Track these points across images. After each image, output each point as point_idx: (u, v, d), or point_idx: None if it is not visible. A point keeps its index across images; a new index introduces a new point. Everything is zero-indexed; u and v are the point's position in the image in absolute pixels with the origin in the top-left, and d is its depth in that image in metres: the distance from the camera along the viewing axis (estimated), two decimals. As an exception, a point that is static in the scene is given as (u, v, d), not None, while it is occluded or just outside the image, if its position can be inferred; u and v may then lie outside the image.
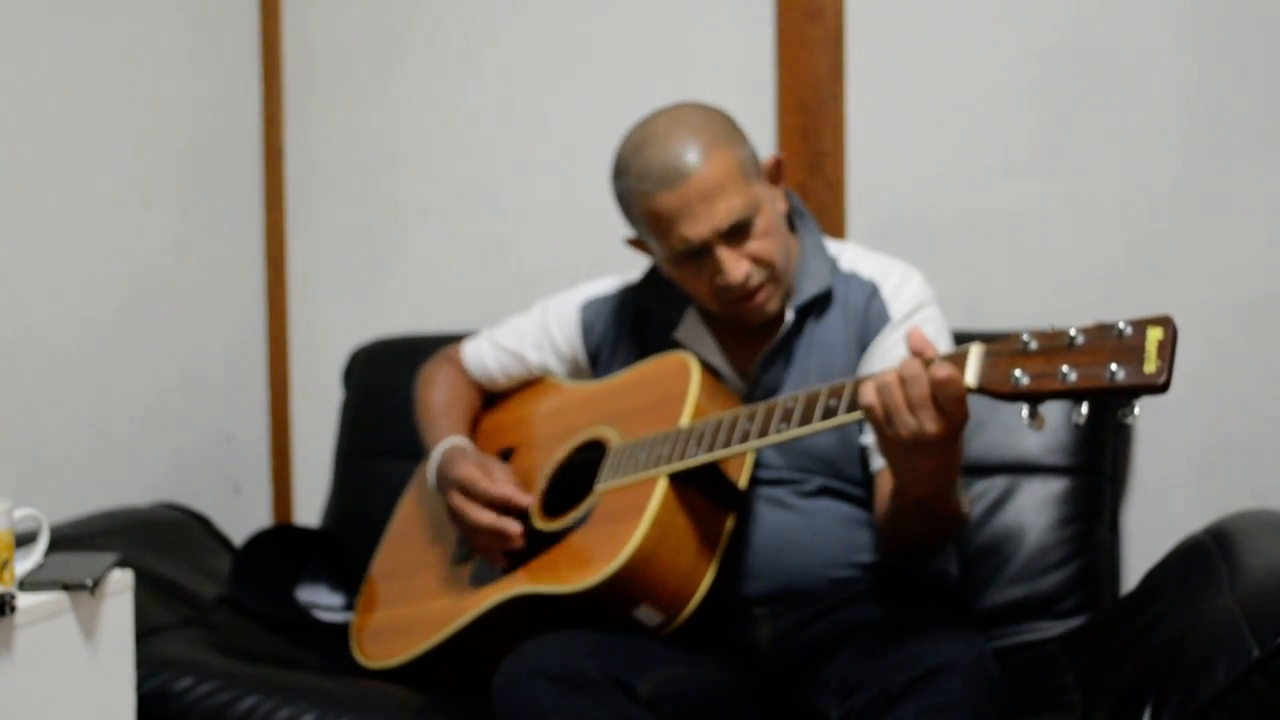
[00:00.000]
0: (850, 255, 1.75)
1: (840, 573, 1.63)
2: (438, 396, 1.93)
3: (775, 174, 1.69)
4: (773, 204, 1.65)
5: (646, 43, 2.32)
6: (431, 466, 1.81)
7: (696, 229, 1.57)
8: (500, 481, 1.69)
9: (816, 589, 1.62)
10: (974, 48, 2.14)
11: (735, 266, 1.59)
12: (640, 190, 1.60)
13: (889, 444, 1.36)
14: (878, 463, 1.62)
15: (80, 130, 2.19)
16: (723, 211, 1.57)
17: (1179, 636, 1.47)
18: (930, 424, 1.30)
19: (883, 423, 1.33)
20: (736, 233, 1.59)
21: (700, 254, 1.60)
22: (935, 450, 1.34)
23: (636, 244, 1.75)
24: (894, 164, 2.19)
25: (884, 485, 1.57)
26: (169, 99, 2.38)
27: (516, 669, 1.46)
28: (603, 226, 2.34)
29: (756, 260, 1.61)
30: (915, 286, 1.70)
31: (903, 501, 1.48)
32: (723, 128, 1.63)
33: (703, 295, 1.65)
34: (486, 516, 1.67)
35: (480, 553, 1.74)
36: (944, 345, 1.66)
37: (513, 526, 1.66)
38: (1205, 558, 1.61)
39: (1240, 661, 1.32)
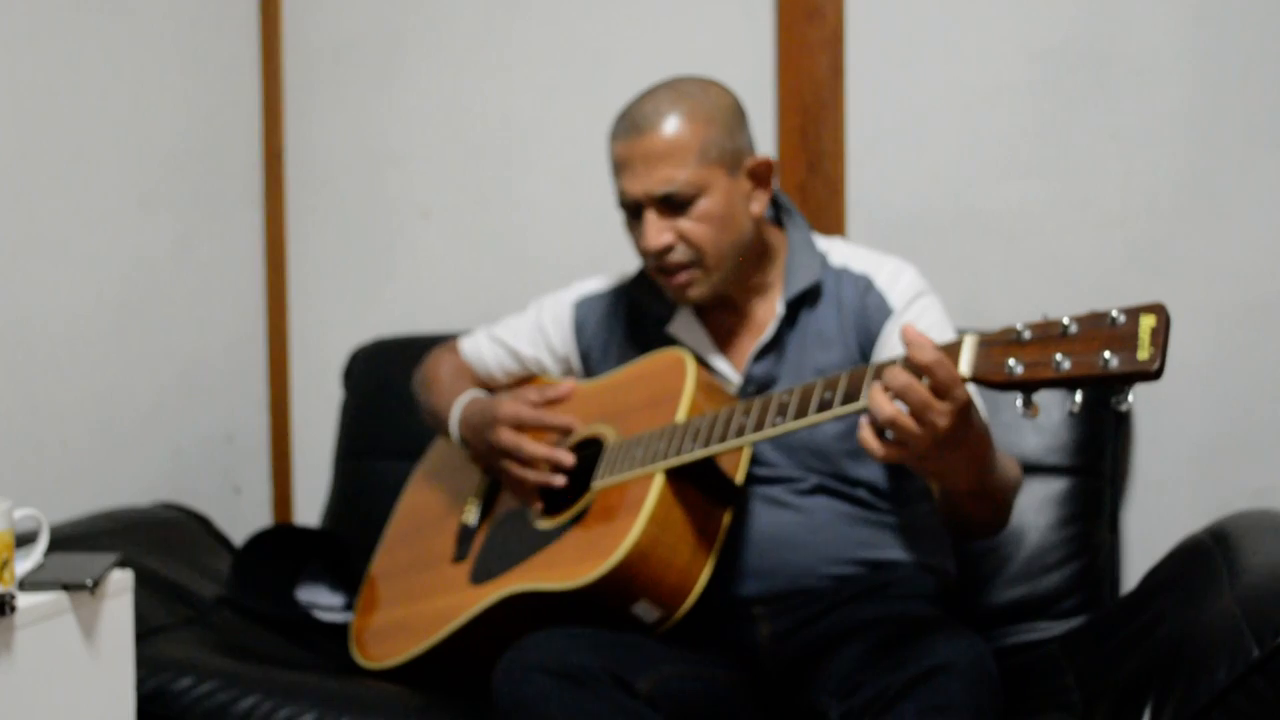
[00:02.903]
0: (840, 251, 1.75)
1: (839, 571, 1.63)
2: (445, 373, 1.95)
3: (759, 174, 1.69)
4: (736, 198, 1.66)
5: (646, 43, 2.33)
6: (454, 420, 1.83)
7: (632, 184, 1.64)
8: (547, 411, 1.75)
9: (815, 588, 1.62)
10: (974, 48, 2.14)
11: (655, 235, 1.63)
12: (614, 133, 1.68)
13: (918, 465, 1.33)
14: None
15: (80, 130, 2.19)
16: (660, 178, 1.62)
17: (1179, 636, 1.47)
18: (941, 420, 1.28)
19: (909, 456, 1.31)
20: (670, 203, 1.63)
21: (634, 210, 1.66)
22: (954, 440, 1.30)
23: None
24: (894, 164, 2.19)
25: (936, 490, 1.56)
26: (169, 99, 2.38)
27: (516, 664, 1.46)
28: (602, 226, 2.34)
29: (685, 239, 1.63)
30: (910, 278, 1.70)
31: (955, 498, 1.48)
32: (713, 109, 1.65)
33: (641, 254, 1.70)
34: (539, 448, 1.71)
35: (517, 489, 1.75)
36: (947, 332, 1.66)
37: (565, 458, 1.70)
38: (1205, 558, 1.61)
39: (1240, 661, 1.32)
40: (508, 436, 1.73)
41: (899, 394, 1.28)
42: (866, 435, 1.31)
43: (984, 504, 1.50)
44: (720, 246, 1.65)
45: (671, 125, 1.62)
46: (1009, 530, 1.93)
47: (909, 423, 1.28)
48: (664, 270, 1.66)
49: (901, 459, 1.32)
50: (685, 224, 1.63)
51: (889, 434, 1.30)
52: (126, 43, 2.28)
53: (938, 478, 1.41)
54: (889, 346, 1.65)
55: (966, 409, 1.29)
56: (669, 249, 1.64)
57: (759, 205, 1.70)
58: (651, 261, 1.67)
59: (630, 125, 1.65)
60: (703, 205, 1.63)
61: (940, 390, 1.27)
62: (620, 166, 1.65)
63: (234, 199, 2.56)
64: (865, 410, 1.33)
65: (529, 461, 1.72)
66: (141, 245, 2.32)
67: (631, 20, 2.35)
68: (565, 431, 1.75)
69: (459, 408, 1.83)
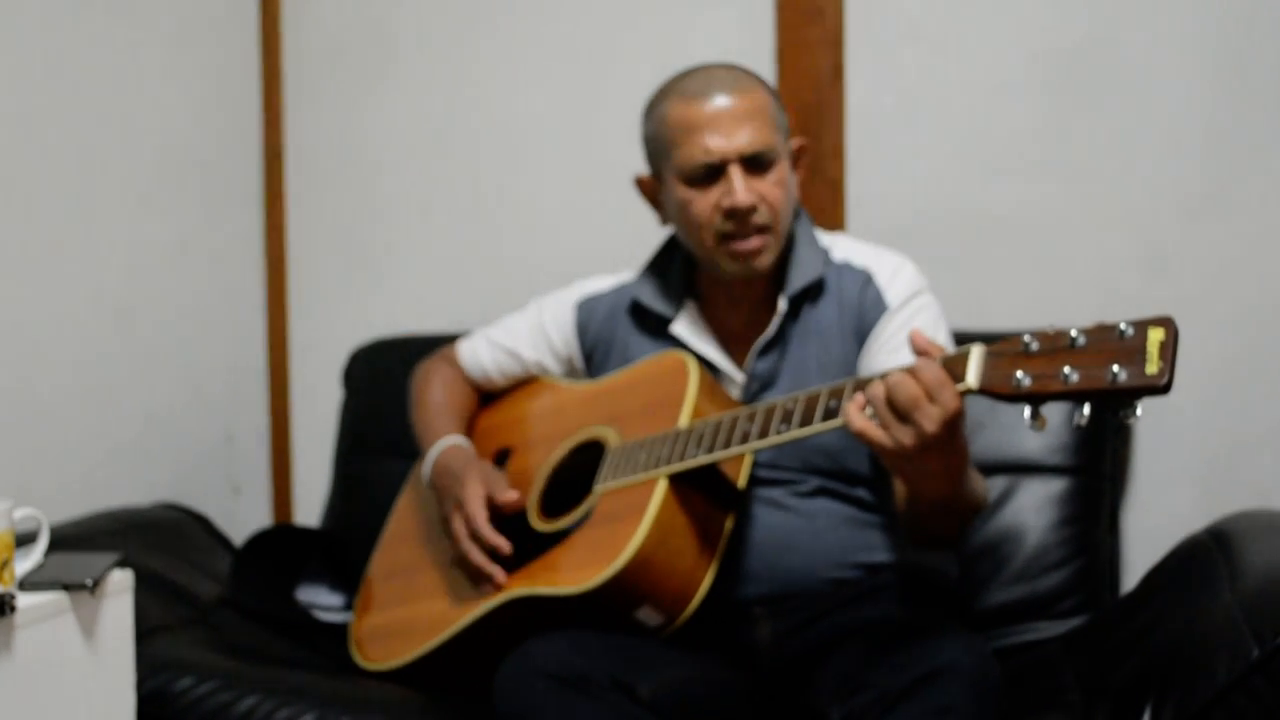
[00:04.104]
0: (842, 246, 1.76)
1: (840, 573, 1.63)
2: (434, 395, 1.94)
3: (797, 156, 1.74)
4: (791, 173, 1.70)
5: (645, 43, 2.32)
6: (427, 464, 1.81)
7: (719, 143, 1.62)
8: (491, 532, 1.68)
9: (816, 590, 1.62)
10: (975, 48, 2.14)
11: (746, 190, 1.62)
12: (675, 103, 1.66)
13: (895, 456, 1.34)
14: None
15: (80, 131, 2.19)
16: (748, 135, 1.62)
17: (1179, 636, 1.47)
18: (929, 425, 1.29)
19: (879, 433, 1.32)
20: (755, 164, 1.63)
21: (714, 173, 1.63)
22: (936, 447, 1.32)
23: (645, 185, 1.77)
24: (894, 164, 2.19)
25: (901, 490, 1.56)
26: (169, 99, 2.38)
27: (518, 669, 1.46)
28: (602, 226, 2.35)
29: (765, 200, 1.64)
30: (909, 275, 1.71)
31: (919, 504, 1.48)
32: (768, 87, 1.70)
33: (703, 223, 1.65)
34: (479, 557, 1.68)
35: (460, 563, 1.74)
36: (941, 334, 1.67)
37: (499, 576, 1.66)
38: (1205, 558, 1.61)
39: (1240, 661, 1.32)
40: (459, 526, 1.70)
41: (891, 400, 1.31)
42: (852, 409, 1.34)
43: (945, 518, 1.51)
44: (787, 216, 1.68)
45: (751, 90, 1.65)
46: (1009, 530, 1.93)
47: (893, 421, 1.31)
48: (738, 234, 1.64)
49: (879, 443, 1.33)
50: (764, 186, 1.63)
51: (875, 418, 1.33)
52: (126, 43, 2.28)
53: (910, 481, 1.41)
54: (880, 343, 1.66)
55: (956, 420, 1.31)
56: (753, 209, 1.63)
57: (796, 189, 1.73)
58: (734, 221, 1.64)
59: (703, 91, 1.64)
60: (777, 171, 1.65)
61: (933, 397, 1.29)
62: (701, 127, 1.62)
63: (234, 199, 2.56)
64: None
65: (467, 560, 1.69)
66: (141, 245, 2.32)
67: (631, 20, 2.34)
68: (503, 555, 1.69)
69: (435, 453, 1.81)
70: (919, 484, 1.40)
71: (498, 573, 1.66)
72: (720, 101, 1.63)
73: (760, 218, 1.64)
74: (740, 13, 2.26)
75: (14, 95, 2.06)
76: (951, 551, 1.77)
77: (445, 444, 1.81)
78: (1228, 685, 1.32)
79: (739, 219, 1.63)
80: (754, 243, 1.65)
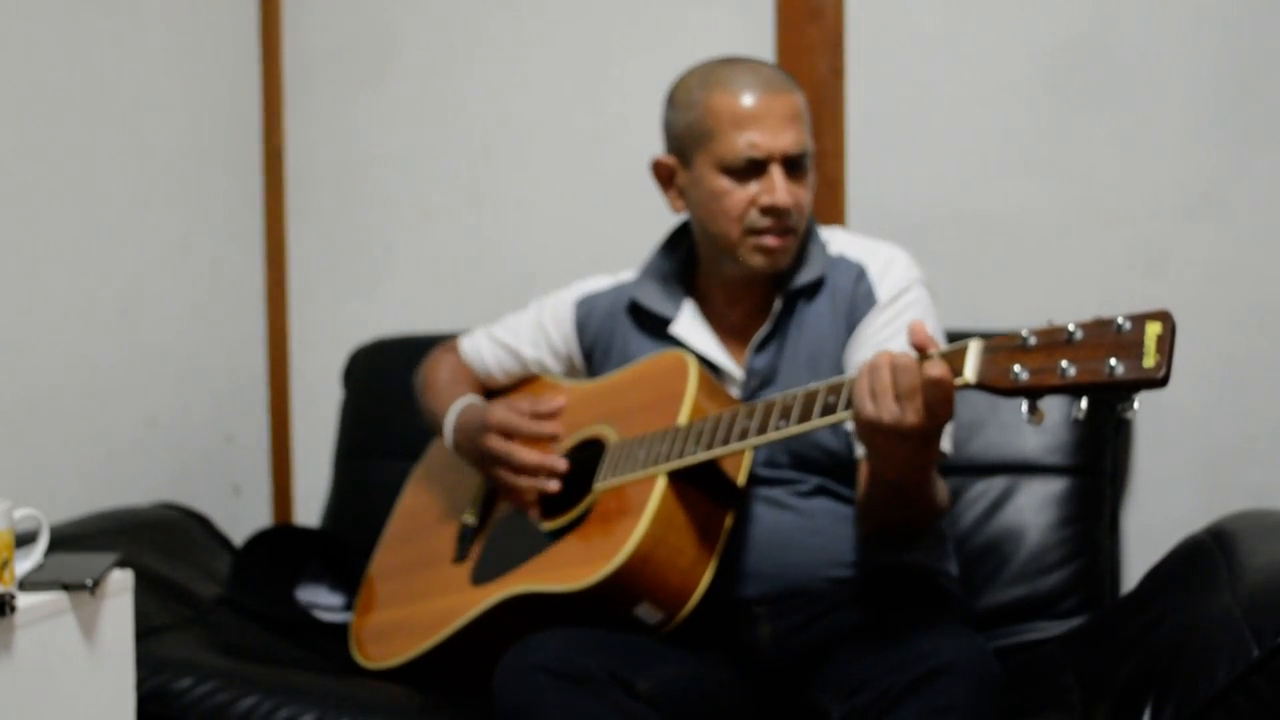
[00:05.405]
0: (839, 240, 1.76)
1: (840, 572, 1.63)
2: (443, 377, 1.95)
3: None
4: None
5: (645, 43, 2.32)
6: (449, 426, 1.83)
7: (768, 139, 1.63)
8: (537, 421, 1.74)
9: (816, 589, 1.62)
10: (974, 48, 2.14)
11: (788, 191, 1.64)
12: (721, 93, 1.65)
13: (868, 426, 1.35)
14: (861, 449, 1.61)
15: (80, 130, 2.19)
16: (795, 137, 1.64)
17: (1179, 636, 1.47)
18: (912, 415, 1.30)
19: (866, 398, 1.33)
20: (794, 165, 1.65)
21: (754, 169, 1.64)
22: (912, 440, 1.34)
23: (663, 169, 1.75)
24: (894, 164, 2.19)
25: (865, 470, 1.58)
26: (169, 99, 2.38)
27: (518, 664, 1.46)
28: (601, 226, 2.35)
29: (797, 204, 1.66)
30: (901, 268, 1.70)
31: (877, 485, 1.50)
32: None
33: (736, 215, 1.66)
34: (531, 455, 1.70)
35: (514, 496, 1.74)
36: (931, 326, 1.66)
37: (559, 464, 1.69)
38: (1205, 558, 1.61)
39: (1240, 661, 1.32)
40: (498, 443, 1.73)
41: (895, 368, 1.32)
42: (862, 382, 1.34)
43: (897, 506, 1.52)
44: (807, 218, 1.70)
45: (796, 93, 1.67)
46: (1009, 530, 1.93)
47: (889, 391, 1.31)
48: (771, 231, 1.65)
49: (858, 414, 1.34)
50: (798, 190, 1.66)
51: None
52: (126, 43, 2.28)
53: (874, 456, 1.43)
54: (865, 338, 1.66)
55: (942, 425, 1.33)
56: (789, 210, 1.64)
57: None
58: (770, 218, 1.64)
59: (759, 84, 1.64)
60: (810, 175, 1.68)
61: (928, 401, 1.30)
62: (751, 120, 1.63)
63: (234, 199, 2.56)
64: None
65: (521, 469, 1.72)
66: (141, 245, 2.32)
67: (631, 20, 2.35)
68: (554, 441, 1.75)
69: (453, 413, 1.83)
70: (883, 464, 1.43)
71: (557, 462, 1.69)
72: (769, 99, 1.64)
73: (791, 220, 1.65)
74: (740, 12, 2.26)
75: (14, 95, 2.06)
76: (920, 552, 1.77)
77: (463, 404, 1.84)
78: (1228, 685, 1.32)
79: (775, 217, 1.64)
80: (786, 241, 1.66)
